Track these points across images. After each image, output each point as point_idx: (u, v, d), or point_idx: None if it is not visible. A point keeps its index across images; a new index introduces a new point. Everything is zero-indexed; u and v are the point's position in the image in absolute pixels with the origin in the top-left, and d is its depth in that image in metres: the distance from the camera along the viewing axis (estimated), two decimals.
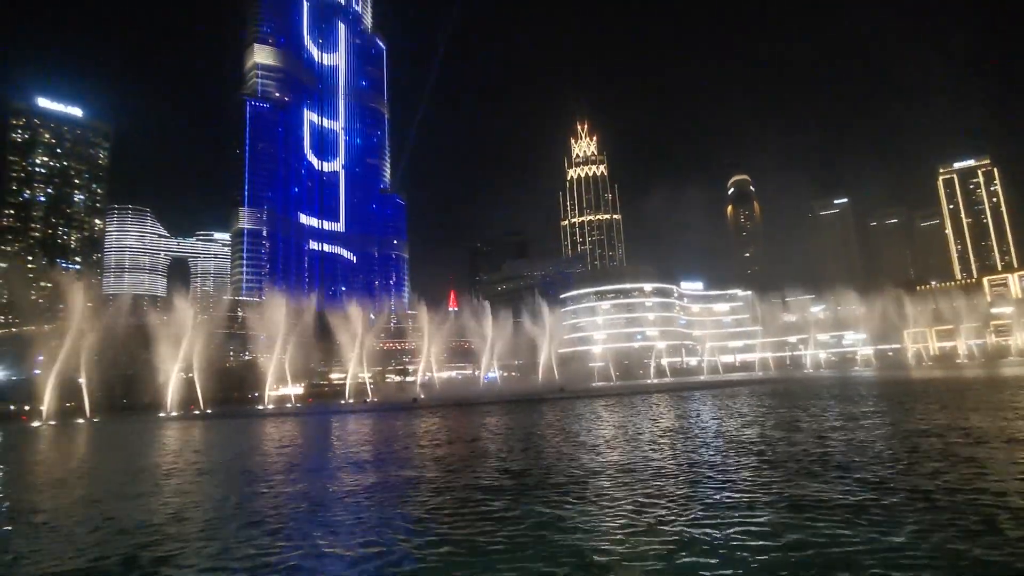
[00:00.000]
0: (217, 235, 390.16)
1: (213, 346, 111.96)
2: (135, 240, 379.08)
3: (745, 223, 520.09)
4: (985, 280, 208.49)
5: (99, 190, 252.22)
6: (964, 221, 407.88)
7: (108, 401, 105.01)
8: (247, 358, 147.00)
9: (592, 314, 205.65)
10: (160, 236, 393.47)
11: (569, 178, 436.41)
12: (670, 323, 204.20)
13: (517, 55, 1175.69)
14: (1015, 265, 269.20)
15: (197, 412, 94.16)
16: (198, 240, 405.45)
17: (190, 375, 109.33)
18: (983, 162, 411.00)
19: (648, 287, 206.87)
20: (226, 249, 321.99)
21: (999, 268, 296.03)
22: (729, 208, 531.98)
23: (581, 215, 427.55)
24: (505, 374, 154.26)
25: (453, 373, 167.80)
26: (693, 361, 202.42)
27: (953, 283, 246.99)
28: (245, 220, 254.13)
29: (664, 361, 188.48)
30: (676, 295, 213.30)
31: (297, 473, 20.27)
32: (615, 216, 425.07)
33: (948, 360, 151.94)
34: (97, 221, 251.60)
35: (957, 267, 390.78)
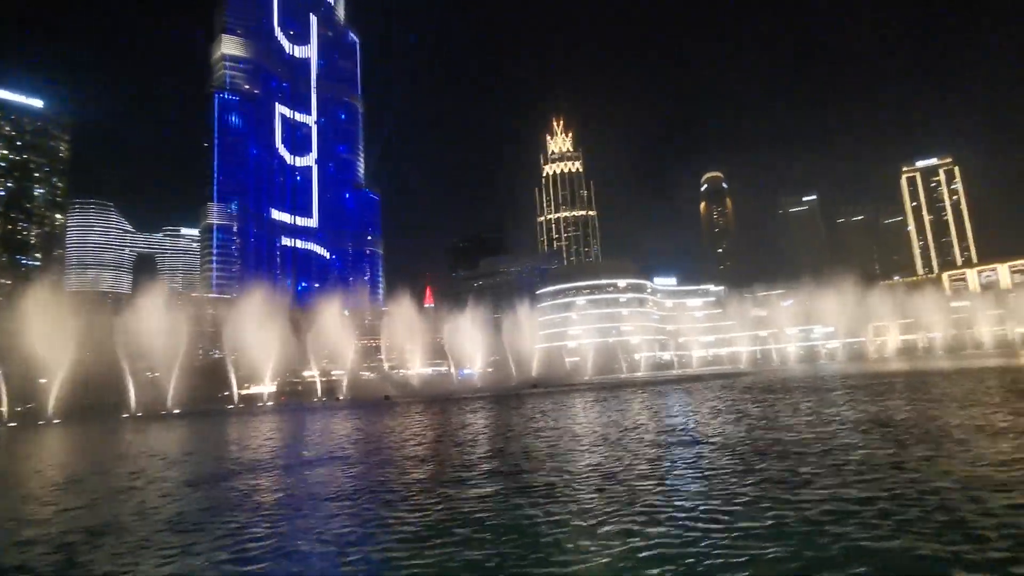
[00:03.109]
0: (185, 230, 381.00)
1: (181, 344, 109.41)
2: (98, 235, 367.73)
3: (718, 219, 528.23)
4: (945, 275, 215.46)
5: (60, 184, 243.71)
6: (926, 218, 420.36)
7: (72, 402, 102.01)
8: (217, 356, 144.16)
9: (568, 310, 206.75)
10: (125, 231, 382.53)
11: (545, 174, 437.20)
12: (644, 318, 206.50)
13: (493, 50, 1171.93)
14: (974, 261, 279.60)
15: (164, 412, 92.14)
16: (165, 236, 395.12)
17: (157, 375, 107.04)
18: (945, 161, 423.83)
19: (623, 283, 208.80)
20: (195, 245, 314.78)
21: (959, 264, 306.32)
22: (703, 205, 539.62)
23: (557, 211, 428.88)
24: (481, 370, 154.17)
25: (429, 370, 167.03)
26: (667, 355, 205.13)
27: (915, 278, 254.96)
28: (214, 216, 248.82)
29: (638, 356, 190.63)
30: (650, 291, 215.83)
31: (224, 480, 19.94)
32: (591, 212, 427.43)
33: (910, 353, 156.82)
34: (58, 216, 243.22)
35: (919, 263, 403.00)
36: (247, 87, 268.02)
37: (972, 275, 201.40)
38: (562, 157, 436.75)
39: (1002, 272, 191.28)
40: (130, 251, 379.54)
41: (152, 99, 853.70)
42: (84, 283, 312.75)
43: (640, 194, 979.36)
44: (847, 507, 10.61)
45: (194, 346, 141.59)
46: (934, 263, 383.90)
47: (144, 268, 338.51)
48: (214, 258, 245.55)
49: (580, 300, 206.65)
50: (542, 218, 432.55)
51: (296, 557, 10.22)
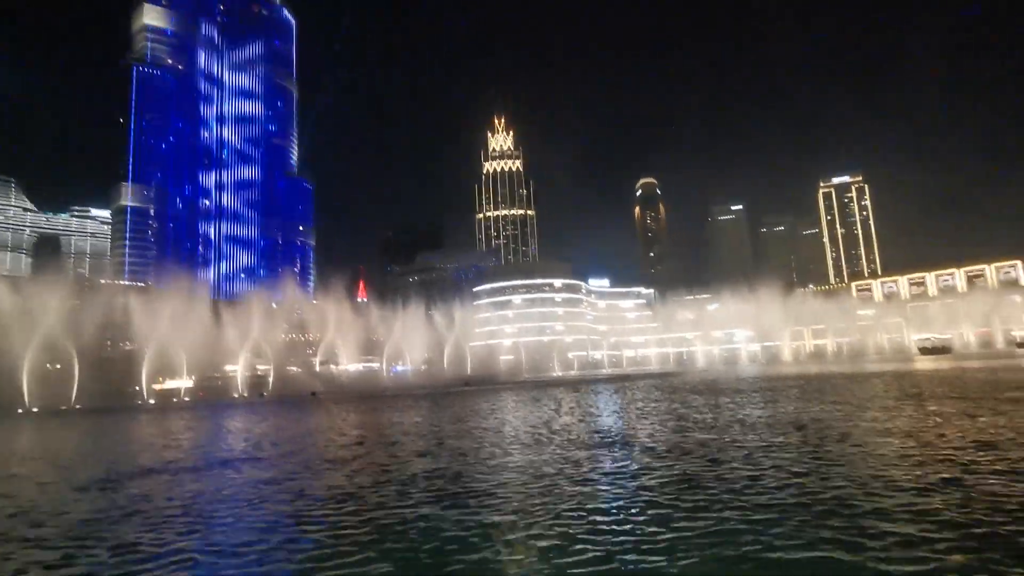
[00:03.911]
0: (95, 211, 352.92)
1: (87, 334, 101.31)
2: None
3: (651, 224, 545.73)
4: (853, 285, 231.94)
5: None
6: (839, 231, 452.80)
7: None
8: (129, 348, 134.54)
9: (504, 308, 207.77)
10: (26, 210, 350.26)
11: (485, 171, 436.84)
12: (578, 318, 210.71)
13: (436, 44, 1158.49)
14: (879, 272, 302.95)
15: (65, 408, 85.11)
16: (72, 216, 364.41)
17: (59, 367, 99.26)
18: (856, 179, 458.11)
19: (558, 283, 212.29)
20: (105, 227, 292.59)
21: (865, 275, 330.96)
22: (637, 209, 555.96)
23: (496, 209, 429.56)
24: (415, 367, 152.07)
25: (360, 366, 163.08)
26: (598, 355, 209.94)
27: (828, 287, 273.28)
28: (129, 197, 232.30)
29: (571, 355, 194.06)
30: (584, 292, 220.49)
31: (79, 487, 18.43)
32: (530, 212, 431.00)
33: (820, 357, 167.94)
34: None
35: (831, 272, 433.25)
36: (170, 61, 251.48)
37: (876, 286, 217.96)
38: (502, 155, 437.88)
39: (901, 284, 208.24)
40: (31, 232, 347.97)
41: (64, 69, 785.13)
42: None
43: (577, 196, 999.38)
44: (762, 508, 10.84)
45: (102, 336, 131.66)
46: (844, 273, 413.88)
47: (47, 250, 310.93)
48: (127, 242, 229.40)
49: (516, 299, 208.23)
50: (481, 215, 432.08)
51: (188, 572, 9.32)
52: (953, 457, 14.51)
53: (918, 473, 13.05)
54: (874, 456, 15.30)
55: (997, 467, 13.24)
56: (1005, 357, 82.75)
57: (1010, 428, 18.39)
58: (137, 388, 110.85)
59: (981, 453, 14.82)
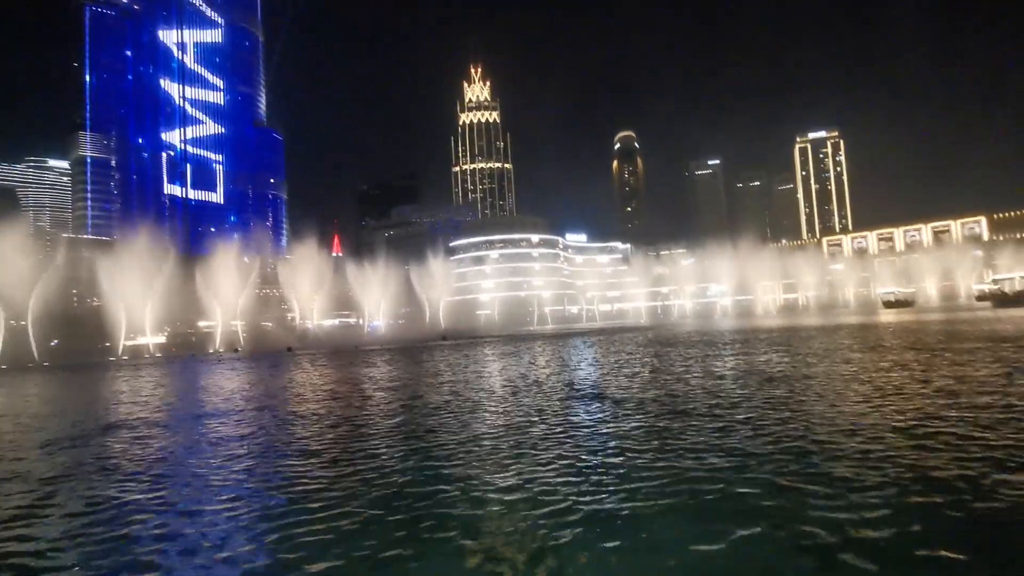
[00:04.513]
0: (53, 162, 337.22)
1: (51, 290, 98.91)
2: None
3: (629, 178, 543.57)
4: (824, 240, 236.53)
5: None
6: (813, 187, 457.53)
7: None
8: (96, 304, 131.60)
9: (481, 263, 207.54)
10: None
11: (462, 123, 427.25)
12: (555, 273, 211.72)
13: None
14: (850, 228, 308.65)
15: (31, 365, 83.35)
16: (28, 167, 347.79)
17: (24, 323, 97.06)
18: (832, 134, 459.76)
19: (535, 238, 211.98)
20: (65, 179, 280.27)
21: (837, 230, 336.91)
22: (615, 163, 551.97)
23: (473, 162, 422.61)
24: (391, 322, 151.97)
25: (336, 321, 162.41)
26: (574, 309, 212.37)
27: (800, 242, 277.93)
28: (88, 147, 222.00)
29: (547, 309, 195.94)
30: (561, 246, 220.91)
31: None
32: (507, 165, 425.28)
33: (790, 310, 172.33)
34: None
35: (804, 228, 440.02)
36: (125, 0, 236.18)
37: (846, 241, 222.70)
38: (479, 106, 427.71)
39: (871, 239, 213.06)
40: None
41: (10, 8, 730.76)
42: None
43: (555, 149, 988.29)
44: (732, 454, 11.14)
45: (68, 292, 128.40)
46: (816, 229, 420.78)
47: (3, 203, 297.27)
48: (89, 195, 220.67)
49: (493, 253, 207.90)
50: (457, 168, 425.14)
51: (161, 532, 9.25)
52: (911, 404, 15.06)
53: (876, 421, 13.51)
54: (835, 404, 15.81)
55: (952, 413, 13.77)
56: (964, 310, 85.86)
57: (962, 377, 19.12)
58: (107, 344, 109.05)
59: (939, 401, 15.39)
